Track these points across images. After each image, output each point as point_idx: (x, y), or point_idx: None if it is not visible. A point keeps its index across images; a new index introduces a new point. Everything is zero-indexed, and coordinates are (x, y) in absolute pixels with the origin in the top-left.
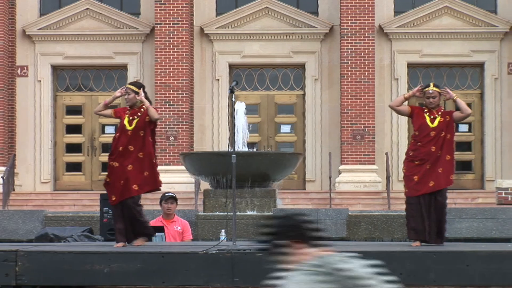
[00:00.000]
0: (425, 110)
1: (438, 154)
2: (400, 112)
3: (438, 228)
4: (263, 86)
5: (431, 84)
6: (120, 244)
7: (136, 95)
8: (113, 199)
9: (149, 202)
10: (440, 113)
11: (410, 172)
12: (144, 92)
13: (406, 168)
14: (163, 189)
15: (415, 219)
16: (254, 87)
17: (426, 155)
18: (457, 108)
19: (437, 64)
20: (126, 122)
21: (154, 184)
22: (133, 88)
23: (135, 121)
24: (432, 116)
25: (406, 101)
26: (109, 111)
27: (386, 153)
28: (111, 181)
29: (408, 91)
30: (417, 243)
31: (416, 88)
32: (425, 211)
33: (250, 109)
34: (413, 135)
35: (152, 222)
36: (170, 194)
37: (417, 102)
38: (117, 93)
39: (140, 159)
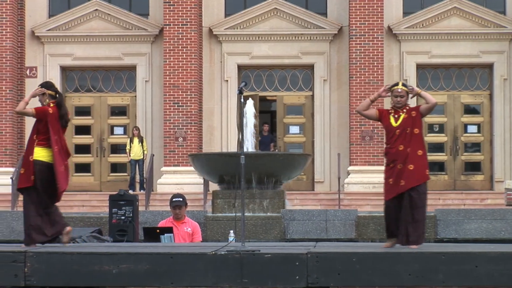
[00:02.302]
0: (390, 111)
1: (408, 151)
2: (367, 116)
3: (415, 229)
4: (272, 87)
5: (400, 83)
6: None
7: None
8: None
9: (157, 203)
10: (405, 110)
11: (386, 175)
12: (54, 91)
13: (384, 172)
14: (172, 190)
15: (392, 221)
16: (263, 88)
17: (395, 155)
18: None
19: (446, 65)
20: None
21: (25, 182)
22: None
23: None
24: (396, 115)
25: (384, 105)
26: None
27: None
28: None
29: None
30: (387, 244)
31: (382, 89)
32: (401, 212)
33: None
34: (385, 140)
35: (162, 223)
36: (177, 199)
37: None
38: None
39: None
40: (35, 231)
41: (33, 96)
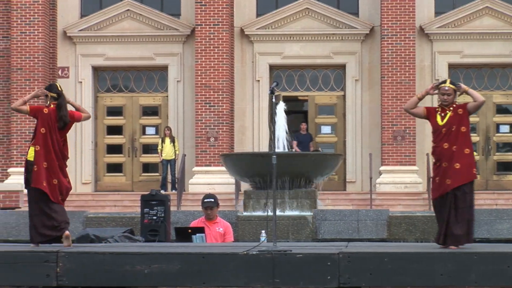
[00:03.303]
0: (437, 109)
1: (453, 149)
2: (415, 115)
3: (458, 228)
4: (304, 87)
5: (448, 81)
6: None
7: None
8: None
9: (189, 203)
10: (451, 108)
11: (433, 174)
12: (56, 93)
13: (432, 171)
14: (204, 190)
15: (440, 222)
16: (294, 88)
17: (440, 154)
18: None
19: (478, 65)
20: None
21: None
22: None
23: None
24: (443, 114)
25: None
26: None
27: (427, 154)
28: None
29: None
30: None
31: (430, 86)
32: (448, 212)
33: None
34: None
35: (194, 223)
36: (209, 200)
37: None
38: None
39: None
40: (31, 230)
41: (34, 96)
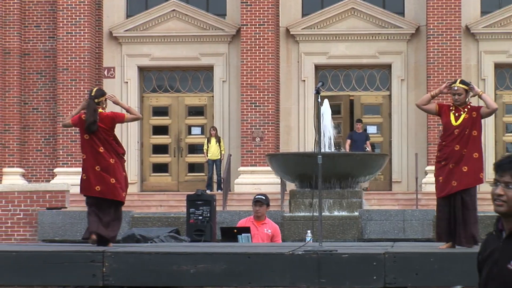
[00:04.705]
0: (451, 108)
1: (463, 152)
2: (427, 111)
3: (466, 230)
4: (349, 87)
5: (458, 81)
6: None
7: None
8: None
9: (235, 203)
10: (466, 109)
11: (437, 173)
12: (94, 99)
13: (435, 169)
14: (250, 190)
15: (442, 221)
16: (340, 88)
17: (449, 154)
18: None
19: None
20: None
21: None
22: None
23: None
24: (457, 114)
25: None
26: None
27: None
28: None
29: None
30: (444, 245)
31: (444, 85)
32: (453, 213)
33: (336, 110)
34: (440, 135)
35: (242, 221)
36: (259, 197)
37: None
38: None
39: None
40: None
41: (82, 109)
